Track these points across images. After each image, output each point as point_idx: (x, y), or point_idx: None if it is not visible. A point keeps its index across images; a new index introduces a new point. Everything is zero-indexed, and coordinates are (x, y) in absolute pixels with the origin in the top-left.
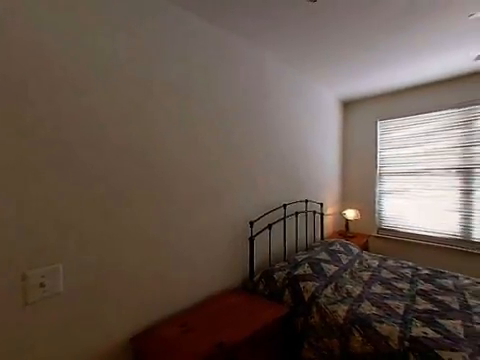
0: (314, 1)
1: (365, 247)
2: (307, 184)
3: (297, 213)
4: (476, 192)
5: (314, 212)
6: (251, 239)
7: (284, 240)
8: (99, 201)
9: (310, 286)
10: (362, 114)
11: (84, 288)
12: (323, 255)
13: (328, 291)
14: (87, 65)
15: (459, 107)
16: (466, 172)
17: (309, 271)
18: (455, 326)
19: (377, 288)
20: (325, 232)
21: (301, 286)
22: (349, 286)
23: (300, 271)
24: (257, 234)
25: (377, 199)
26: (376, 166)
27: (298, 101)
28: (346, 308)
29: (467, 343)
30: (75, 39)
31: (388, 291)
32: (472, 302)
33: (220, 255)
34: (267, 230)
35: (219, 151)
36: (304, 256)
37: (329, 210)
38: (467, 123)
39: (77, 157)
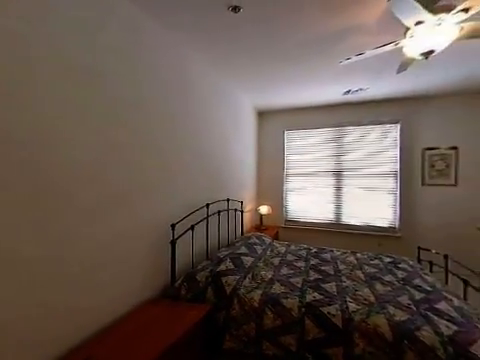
0: (235, 12)
1: (276, 237)
2: (229, 184)
3: (219, 212)
4: (343, 188)
5: (235, 210)
6: (173, 242)
7: (207, 239)
8: None
9: (232, 280)
10: (273, 124)
11: None
12: (243, 249)
13: (246, 281)
14: None
15: (334, 126)
16: (338, 174)
17: (231, 266)
18: (331, 287)
19: (284, 270)
20: (244, 227)
21: (223, 281)
22: (263, 272)
23: (222, 267)
24: (179, 236)
25: (284, 196)
26: (283, 168)
27: (220, 104)
28: (260, 292)
29: (338, 297)
30: None
31: (291, 271)
32: (341, 267)
33: (136, 265)
34: (190, 231)
35: (135, 148)
36: (226, 252)
37: (247, 207)
38: (338, 139)
39: None
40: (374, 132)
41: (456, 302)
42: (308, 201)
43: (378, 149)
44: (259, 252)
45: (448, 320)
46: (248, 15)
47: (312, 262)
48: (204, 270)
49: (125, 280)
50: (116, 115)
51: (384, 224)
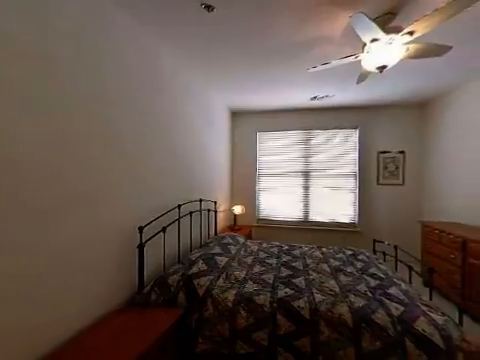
0: (209, 11)
1: (249, 236)
2: (202, 184)
3: (192, 213)
4: (311, 188)
5: (208, 210)
6: (140, 246)
7: (179, 242)
8: None
9: (204, 281)
10: (246, 124)
11: None
12: (216, 249)
13: (220, 281)
14: None
15: (302, 130)
16: (306, 175)
17: (204, 267)
18: (300, 281)
19: (257, 268)
20: (218, 227)
21: (195, 283)
22: (237, 272)
23: (195, 269)
24: (148, 240)
25: (256, 195)
26: (256, 169)
27: (193, 102)
28: (234, 292)
29: (306, 290)
30: None
31: (264, 268)
32: (309, 262)
33: (99, 273)
34: (161, 234)
35: (96, 145)
36: (198, 254)
37: (221, 207)
38: (306, 141)
39: None
40: (337, 136)
41: (403, 286)
42: (279, 200)
43: (341, 152)
44: (233, 252)
45: (397, 302)
46: (222, 16)
47: (283, 259)
48: (176, 274)
49: (87, 290)
50: (75, 107)
51: (346, 220)
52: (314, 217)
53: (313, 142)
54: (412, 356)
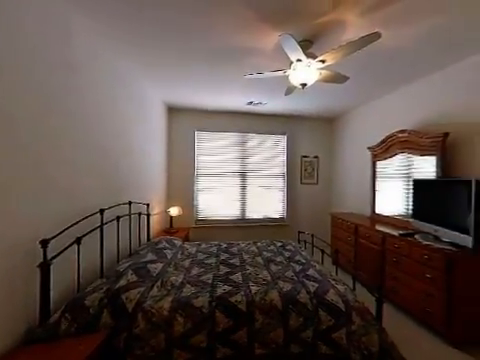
0: None
1: (187, 238)
2: (132, 184)
3: (119, 217)
4: (247, 187)
5: (139, 214)
6: (44, 265)
7: (101, 253)
8: None
9: (135, 294)
10: (185, 122)
11: None
12: (149, 256)
13: (154, 291)
14: None
15: (239, 132)
16: (242, 175)
17: (134, 278)
18: (238, 277)
19: (195, 270)
20: (151, 232)
21: (124, 298)
22: (173, 278)
23: (123, 282)
24: (56, 256)
25: (195, 196)
26: (195, 168)
27: (123, 90)
28: (171, 299)
29: (243, 285)
30: None
31: (202, 269)
32: (245, 257)
33: None
34: (75, 246)
35: None
36: (127, 264)
37: (156, 209)
38: (243, 143)
39: None
40: (269, 140)
41: (318, 267)
42: (217, 200)
43: (272, 154)
44: (169, 256)
45: (313, 281)
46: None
47: (222, 257)
48: (97, 291)
49: None
50: None
51: (277, 216)
52: (250, 215)
53: (249, 144)
54: (324, 322)
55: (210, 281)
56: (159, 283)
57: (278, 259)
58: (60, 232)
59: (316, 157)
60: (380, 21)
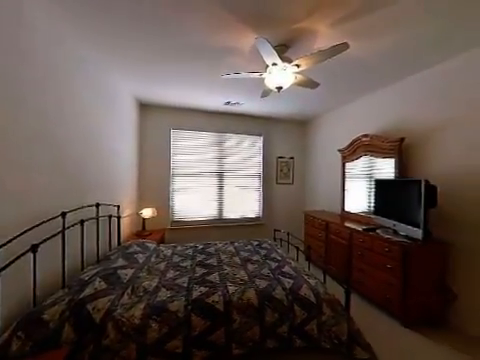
0: None
1: (162, 240)
2: (99, 184)
3: (83, 221)
4: (224, 188)
5: (109, 216)
6: None
7: (63, 261)
8: None
9: (104, 303)
10: (159, 120)
11: None
12: (120, 261)
13: (125, 298)
14: None
15: (217, 132)
16: (220, 175)
17: (102, 286)
18: (215, 277)
19: (171, 273)
20: (122, 236)
21: (90, 308)
22: (146, 282)
23: (89, 291)
24: (4, 268)
25: (170, 196)
26: (170, 168)
27: (87, 81)
28: (143, 306)
29: (220, 285)
30: None
31: (178, 272)
32: (223, 257)
33: None
34: (29, 255)
35: None
36: (95, 271)
37: (126, 212)
38: (220, 143)
39: None
40: (246, 141)
41: (293, 263)
42: (194, 200)
43: (249, 155)
44: (141, 261)
45: (289, 277)
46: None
47: (199, 258)
48: (58, 304)
49: None
50: None
51: (253, 215)
52: (227, 215)
53: (226, 144)
54: (298, 317)
55: (186, 284)
56: (130, 290)
57: (255, 258)
58: (9, 240)
59: (292, 158)
60: (348, 33)
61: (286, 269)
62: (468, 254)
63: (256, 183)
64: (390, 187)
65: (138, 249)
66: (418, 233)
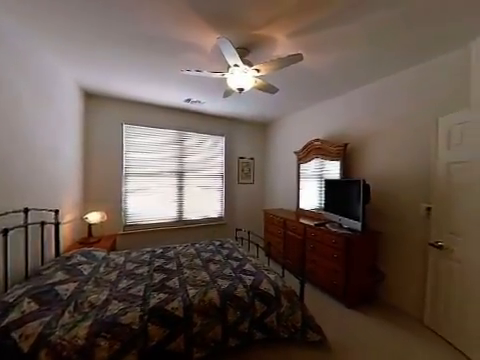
0: None
1: (113, 247)
2: (31, 187)
3: (7, 230)
4: (185, 188)
5: (42, 223)
6: None
7: None
8: None
9: (34, 328)
10: (109, 112)
11: None
12: (58, 276)
13: (66, 317)
14: None
15: (177, 129)
16: (180, 174)
17: (32, 307)
18: (175, 282)
19: (123, 283)
20: (62, 245)
21: (16, 337)
22: (93, 296)
23: (14, 315)
24: None
25: (123, 198)
26: (122, 167)
27: (9, 60)
28: (89, 323)
29: (180, 289)
30: None
31: (132, 281)
32: (183, 260)
33: None
34: None
35: None
36: (22, 290)
37: (68, 217)
38: (180, 141)
39: None
40: (208, 140)
41: (253, 261)
42: (151, 202)
43: (211, 155)
44: (87, 272)
45: (249, 274)
46: None
47: (157, 264)
48: None
49: None
50: None
51: (215, 215)
52: (188, 216)
53: (187, 143)
54: (258, 311)
55: (141, 293)
56: (71, 307)
57: (217, 258)
58: None
59: (252, 158)
60: (303, 45)
61: (247, 267)
62: (392, 240)
63: (218, 183)
64: (336, 186)
65: (82, 259)
66: (358, 225)
